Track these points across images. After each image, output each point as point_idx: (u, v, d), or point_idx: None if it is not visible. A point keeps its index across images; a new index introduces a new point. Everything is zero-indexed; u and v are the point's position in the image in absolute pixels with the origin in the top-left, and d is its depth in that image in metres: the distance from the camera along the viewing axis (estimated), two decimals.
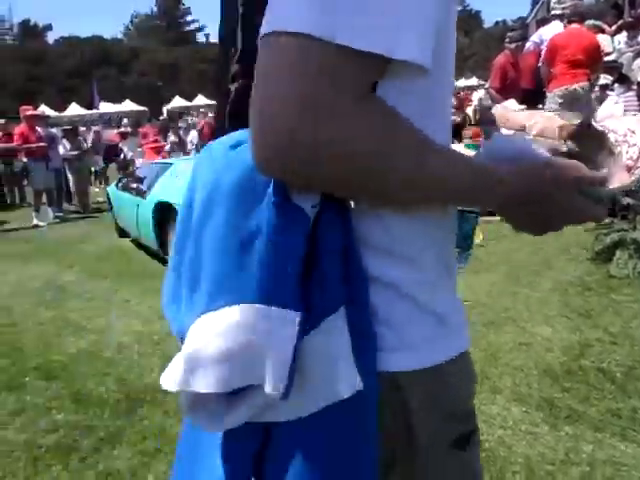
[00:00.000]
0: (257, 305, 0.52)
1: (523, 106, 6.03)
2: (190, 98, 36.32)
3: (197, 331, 0.54)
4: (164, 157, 9.28)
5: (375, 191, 0.54)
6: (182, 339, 0.57)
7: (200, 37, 59.45)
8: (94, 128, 12.99)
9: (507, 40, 6.61)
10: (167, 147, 10.70)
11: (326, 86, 0.47)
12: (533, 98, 6.27)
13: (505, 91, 6.13)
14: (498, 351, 2.89)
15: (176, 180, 4.81)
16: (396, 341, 0.60)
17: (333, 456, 0.56)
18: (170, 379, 0.53)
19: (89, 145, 11.68)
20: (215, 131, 0.66)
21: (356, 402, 0.54)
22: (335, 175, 0.50)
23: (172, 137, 10.94)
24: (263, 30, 0.49)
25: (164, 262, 4.88)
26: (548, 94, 6.00)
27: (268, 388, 0.52)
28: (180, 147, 10.61)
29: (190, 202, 0.60)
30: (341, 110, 0.48)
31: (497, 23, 61.86)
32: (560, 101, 5.83)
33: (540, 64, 6.15)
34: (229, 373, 0.52)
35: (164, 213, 4.63)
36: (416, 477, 0.63)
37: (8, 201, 10.49)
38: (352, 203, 0.58)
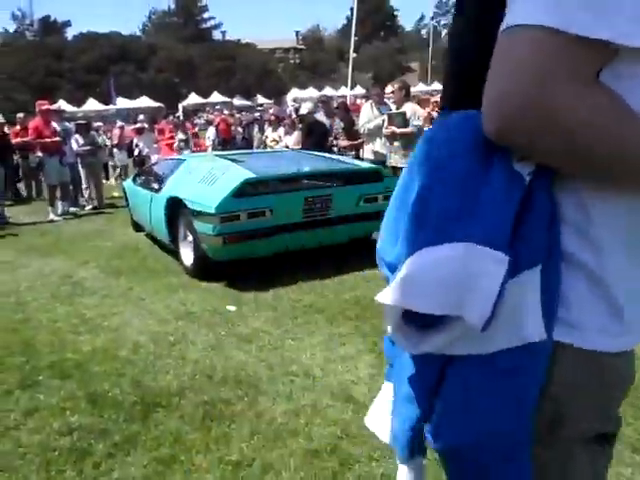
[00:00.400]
0: (474, 244, 0.61)
1: None
2: (206, 95, 36.44)
3: (417, 260, 0.64)
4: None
5: (595, 170, 0.61)
6: (394, 270, 0.67)
7: (217, 34, 59.57)
8: (118, 123, 13.00)
9: None
10: (175, 144, 10.65)
11: (559, 72, 0.55)
12: None
13: None
14: None
15: (188, 176, 4.78)
16: (567, 315, 0.65)
17: (502, 395, 0.66)
18: (387, 295, 0.64)
19: (114, 141, 11.73)
20: (449, 107, 0.75)
21: (533, 351, 0.64)
22: (559, 149, 0.59)
23: (180, 135, 10.90)
24: (506, 23, 0.58)
25: (178, 258, 4.82)
26: None
27: (472, 318, 0.61)
28: (188, 145, 10.56)
29: (421, 160, 0.71)
30: (570, 94, 0.55)
31: None
32: None
33: None
34: (441, 299, 0.62)
35: (175, 208, 4.63)
36: (541, 456, 0.67)
37: (25, 195, 10.54)
38: (562, 182, 0.64)
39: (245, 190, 4.11)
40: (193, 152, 9.70)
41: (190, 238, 4.50)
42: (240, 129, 13.90)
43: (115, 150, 12.04)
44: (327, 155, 5.58)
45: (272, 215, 4.18)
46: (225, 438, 2.20)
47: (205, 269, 4.44)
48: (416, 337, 0.68)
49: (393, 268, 0.68)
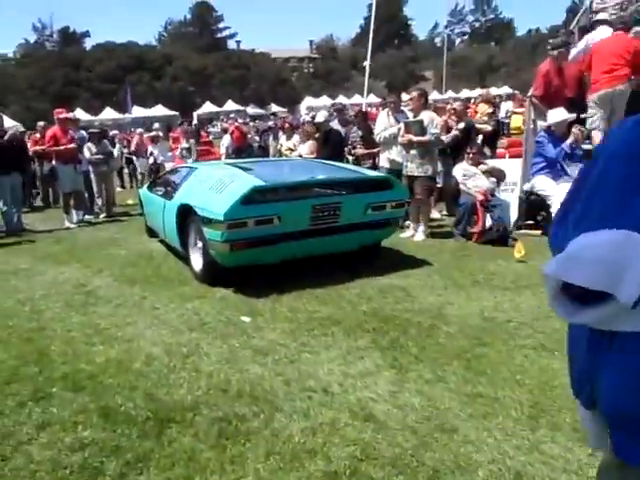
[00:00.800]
0: (633, 232, 0.72)
1: (573, 115, 5.75)
2: (220, 103, 36.75)
3: (580, 242, 0.78)
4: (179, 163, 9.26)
5: None
6: (560, 250, 0.83)
7: (232, 44, 60.15)
8: (138, 130, 13.14)
9: (549, 47, 6.36)
10: (177, 152, 10.66)
11: None
12: (578, 107, 5.99)
13: (549, 99, 5.86)
14: (553, 380, 2.65)
15: (199, 184, 4.82)
16: None
17: None
18: (550, 267, 0.81)
19: (132, 148, 11.84)
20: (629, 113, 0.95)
21: None
22: None
23: (184, 144, 10.92)
24: None
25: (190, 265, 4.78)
26: (588, 99, 5.78)
27: (623, 297, 0.73)
28: (190, 154, 10.60)
29: (594, 156, 0.86)
30: None
31: (530, 31, 60.79)
32: (596, 105, 5.62)
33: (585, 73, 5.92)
34: (596, 275, 0.74)
35: (186, 215, 4.68)
36: None
37: (36, 203, 10.62)
38: None
39: (253, 197, 4.13)
40: (197, 160, 9.70)
41: (200, 244, 4.54)
42: (257, 137, 13.95)
43: (134, 157, 12.15)
44: (336, 164, 5.58)
45: (280, 222, 4.18)
46: (240, 458, 2.12)
47: (214, 275, 4.48)
48: (572, 308, 0.82)
49: (560, 249, 0.84)
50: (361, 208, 4.55)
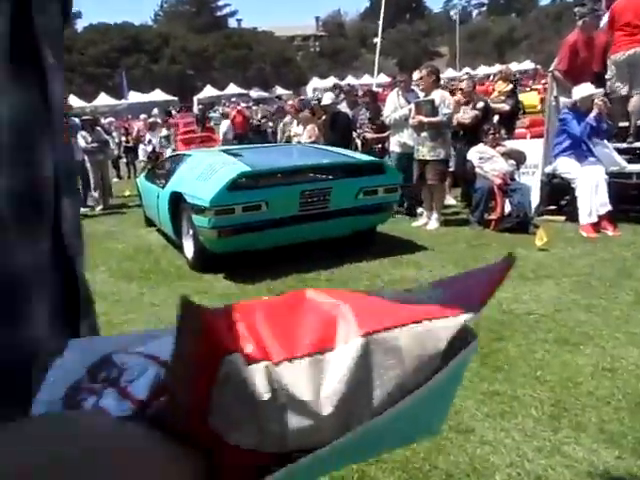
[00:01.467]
0: None
1: (600, 90, 5.62)
2: (222, 87, 36.67)
3: None
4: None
5: None
6: None
7: (232, 22, 59.97)
8: (142, 116, 13.28)
9: (575, 16, 6.22)
10: (155, 141, 10.66)
11: None
12: (604, 83, 5.86)
13: (574, 73, 5.73)
14: (576, 376, 2.61)
15: (189, 171, 4.97)
16: None
17: None
18: None
19: (133, 135, 11.94)
20: None
21: None
22: None
23: (164, 131, 10.86)
24: None
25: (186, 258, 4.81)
26: (607, 61, 5.72)
27: None
28: (169, 142, 10.58)
29: None
30: None
31: (554, 0, 59.81)
32: (616, 67, 5.59)
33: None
34: None
35: (177, 203, 4.86)
36: None
37: None
38: None
39: (240, 183, 4.30)
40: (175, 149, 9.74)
41: (192, 232, 4.72)
42: (270, 123, 13.90)
43: (139, 145, 12.23)
44: (329, 148, 5.68)
45: (267, 208, 4.31)
46: None
47: (204, 262, 4.68)
48: None
49: None
50: (352, 193, 4.65)
